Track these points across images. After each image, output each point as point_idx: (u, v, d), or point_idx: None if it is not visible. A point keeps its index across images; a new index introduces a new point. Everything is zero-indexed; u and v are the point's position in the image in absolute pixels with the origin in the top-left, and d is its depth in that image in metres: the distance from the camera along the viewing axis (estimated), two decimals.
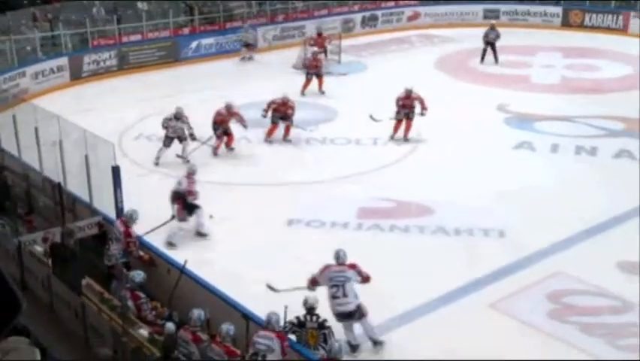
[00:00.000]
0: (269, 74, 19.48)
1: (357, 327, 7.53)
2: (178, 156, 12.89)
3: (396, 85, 17.63)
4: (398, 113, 13.95)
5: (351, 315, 7.30)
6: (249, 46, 21.54)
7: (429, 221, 10.62)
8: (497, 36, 20.69)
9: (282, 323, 6.69)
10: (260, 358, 6.32)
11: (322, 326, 6.66)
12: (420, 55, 22.36)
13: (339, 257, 7.56)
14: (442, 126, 14.76)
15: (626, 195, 11.49)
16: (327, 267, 7.49)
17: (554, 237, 10.04)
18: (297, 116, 14.41)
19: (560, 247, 9.83)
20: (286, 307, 6.86)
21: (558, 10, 26.20)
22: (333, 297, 7.29)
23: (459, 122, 15.20)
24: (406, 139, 13.88)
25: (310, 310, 6.79)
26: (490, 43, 20.76)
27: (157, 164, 12.81)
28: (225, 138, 13.41)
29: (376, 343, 7.50)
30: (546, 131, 14.75)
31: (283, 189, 11.96)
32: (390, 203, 11.31)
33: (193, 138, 12.97)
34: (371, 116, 13.95)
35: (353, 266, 7.52)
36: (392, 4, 26.84)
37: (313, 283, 7.47)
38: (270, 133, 14.04)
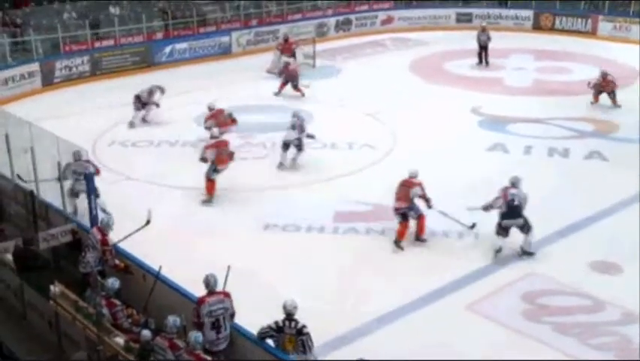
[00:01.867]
0: (244, 78, 19.45)
1: None
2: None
3: (371, 88, 17.89)
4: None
5: None
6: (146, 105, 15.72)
7: None
8: (488, 38, 20.99)
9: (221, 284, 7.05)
10: (222, 323, 6.75)
11: (301, 332, 6.65)
12: (394, 58, 22.49)
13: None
14: (417, 129, 14.91)
15: (597, 196, 11.67)
16: None
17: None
18: (274, 119, 14.86)
19: (534, 247, 9.93)
20: (229, 267, 7.01)
21: (529, 13, 26.59)
22: None
23: (434, 124, 15.34)
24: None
25: (289, 315, 6.76)
26: (481, 45, 21.01)
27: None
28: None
29: None
30: (519, 133, 14.92)
31: (259, 194, 11.93)
32: (366, 206, 11.34)
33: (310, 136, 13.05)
34: None
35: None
36: (365, 7, 27.03)
37: None
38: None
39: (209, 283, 6.92)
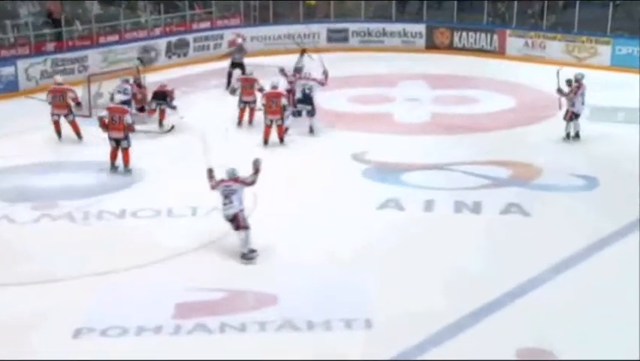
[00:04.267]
0: (39, 125, 18.84)
1: None
2: None
3: (220, 133, 17.89)
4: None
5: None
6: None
7: (272, 313, 10.66)
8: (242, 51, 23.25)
9: None
10: None
11: None
12: None
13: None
14: (283, 185, 15.07)
15: (519, 262, 12.17)
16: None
17: (436, 323, 10.39)
18: (85, 180, 15.16)
19: (444, 335, 10.17)
20: None
21: (421, 28, 27.98)
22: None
23: (305, 178, 15.65)
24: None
25: None
26: (235, 64, 22.73)
27: None
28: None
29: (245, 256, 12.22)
30: (417, 184, 15.47)
31: (69, 284, 11.57)
32: (220, 293, 11.28)
33: None
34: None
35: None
36: (207, 25, 27.42)
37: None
38: None
39: None
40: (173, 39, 26.34)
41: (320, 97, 21.60)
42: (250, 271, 11.92)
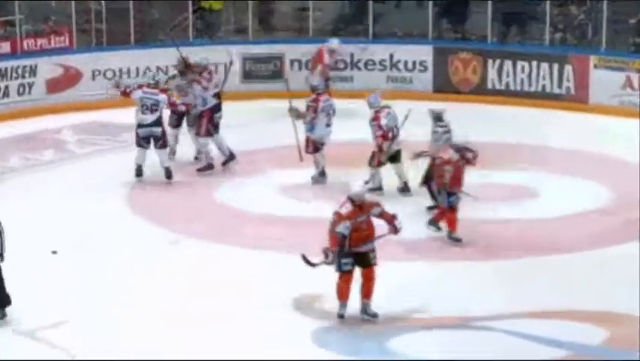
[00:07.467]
0: None
1: None
2: None
3: (31, 262, 17.74)
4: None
5: None
6: None
7: None
8: None
9: None
10: None
11: None
12: (89, 178, 22.95)
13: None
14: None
15: None
16: None
17: None
18: None
19: None
20: None
21: (425, 53, 28.22)
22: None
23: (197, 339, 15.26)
24: None
25: None
26: None
27: None
28: None
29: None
30: (422, 357, 15.17)
31: None
32: None
33: None
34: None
35: None
36: (6, 49, 27.60)
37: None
38: None
39: None
40: None
41: (226, 186, 21.35)
42: None
